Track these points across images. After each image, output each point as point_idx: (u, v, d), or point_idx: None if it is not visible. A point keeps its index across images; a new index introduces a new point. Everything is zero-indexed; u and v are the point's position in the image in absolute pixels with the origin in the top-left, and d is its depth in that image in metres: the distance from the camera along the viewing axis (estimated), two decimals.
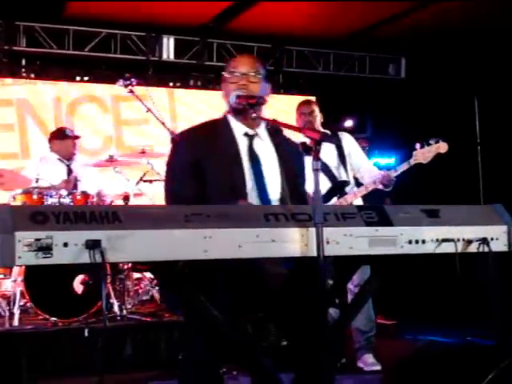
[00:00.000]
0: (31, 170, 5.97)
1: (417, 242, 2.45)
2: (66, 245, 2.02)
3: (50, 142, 6.26)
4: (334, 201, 4.67)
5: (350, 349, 4.76)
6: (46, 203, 5.22)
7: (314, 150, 2.31)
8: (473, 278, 3.51)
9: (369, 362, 4.69)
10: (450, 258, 2.51)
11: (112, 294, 5.39)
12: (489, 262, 2.54)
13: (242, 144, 2.81)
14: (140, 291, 6.00)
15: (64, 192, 5.37)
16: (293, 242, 2.28)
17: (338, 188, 4.75)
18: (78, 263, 2.04)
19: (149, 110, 5.65)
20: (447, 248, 2.50)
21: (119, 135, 7.93)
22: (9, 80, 7.53)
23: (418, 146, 4.62)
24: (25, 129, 7.53)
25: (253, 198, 2.72)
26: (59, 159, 6.10)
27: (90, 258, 2.02)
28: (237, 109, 2.77)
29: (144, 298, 6.01)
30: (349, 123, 8.39)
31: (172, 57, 7.94)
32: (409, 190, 4.74)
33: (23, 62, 7.70)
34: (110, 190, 6.18)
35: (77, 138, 6.29)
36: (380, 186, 4.65)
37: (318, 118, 4.96)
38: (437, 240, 2.48)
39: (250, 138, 2.82)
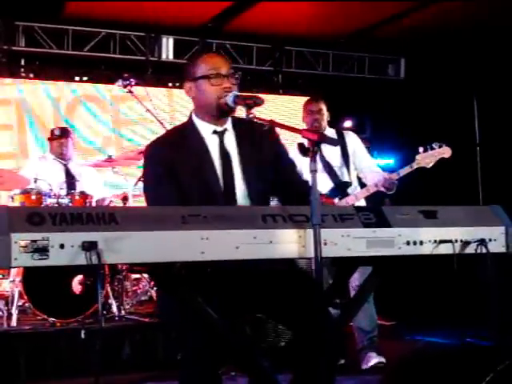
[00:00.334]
0: (30, 169, 5.96)
1: (415, 243, 2.44)
2: (62, 246, 2.01)
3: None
4: (335, 201, 4.67)
5: (352, 350, 4.75)
6: (44, 203, 5.22)
7: (311, 151, 2.31)
8: (471, 279, 3.51)
9: (372, 357, 4.66)
10: (449, 259, 2.51)
11: (110, 294, 5.39)
12: (487, 263, 2.53)
13: (213, 142, 2.84)
14: (138, 291, 5.99)
15: (63, 192, 5.37)
16: (290, 243, 2.28)
17: (340, 188, 4.74)
18: (74, 265, 2.03)
19: (148, 110, 5.66)
20: (445, 249, 2.49)
21: (118, 135, 7.92)
22: (8, 80, 7.52)
23: (421, 149, 4.59)
24: (24, 129, 7.52)
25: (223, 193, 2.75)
26: (56, 159, 6.09)
27: (86, 260, 2.01)
28: (226, 109, 2.79)
29: (142, 298, 6.01)
30: (348, 124, 8.38)
31: (171, 57, 7.94)
32: (407, 191, 4.72)
33: (22, 61, 7.69)
34: (108, 192, 6.19)
35: (61, 137, 6.07)
36: (382, 189, 4.63)
37: (326, 116, 4.91)
38: (435, 241, 2.48)
39: (220, 134, 2.86)
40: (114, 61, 7.76)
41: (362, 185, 4.90)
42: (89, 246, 2.01)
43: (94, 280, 4.91)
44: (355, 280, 4.13)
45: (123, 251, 2.07)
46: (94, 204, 5.46)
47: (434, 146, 4.60)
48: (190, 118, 2.92)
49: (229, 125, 2.90)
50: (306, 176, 2.58)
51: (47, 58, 7.62)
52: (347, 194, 4.75)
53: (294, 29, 7.75)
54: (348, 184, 4.80)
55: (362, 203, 4.71)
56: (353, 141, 4.96)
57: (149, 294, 6.01)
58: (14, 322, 5.05)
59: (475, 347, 3.03)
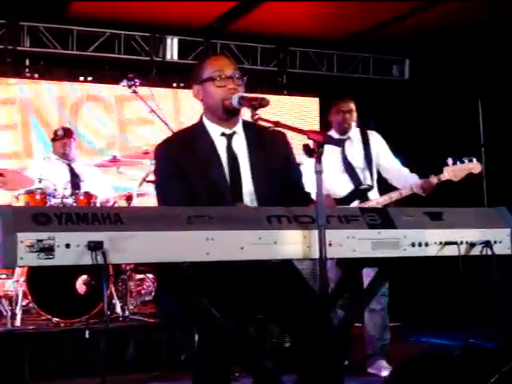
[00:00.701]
0: (34, 169, 5.97)
1: (420, 244, 2.44)
2: (68, 246, 2.01)
3: None
4: (355, 204, 4.58)
5: (357, 352, 4.73)
6: (48, 203, 5.22)
7: (316, 152, 2.30)
8: (476, 281, 3.51)
9: (383, 366, 4.62)
10: (454, 261, 2.51)
11: (114, 294, 5.39)
12: (492, 265, 2.53)
13: (221, 144, 2.85)
14: (142, 292, 6.00)
15: (67, 192, 5.38)
16: (295, 244, 2.28)
17: (360, 192, 4.65)
18: (79, 264, 2.04)
19: (152, 110, 5.66)
20: (450, 251, 2.49)
21: (123, 135, 7.93)
22: (12, 80, 7.53)
23: (449, 161, 4.48)
24: (28, 129, 7.53)
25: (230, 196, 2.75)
26: (59, 159, 6.10)
27: (91, 260, 2.02)
28: (232, 110, 2.80)
29: (146, 298, 6.01)
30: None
31: (176, 57, 7.94)
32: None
33: (27, 62, 7.70)
34: (113, 192, 6.19)
35: (64, 138, 6.11)
36: (419, 192, 4.51)
37: (355, 116, 4.82)
38: (440, 243, 2.48)
39: (228, 137, 2.86)
40: (119, 61, 7.76)
41: (382, 189, 4.79)
42: (94, 246, 2.02)
43: (98, 280, 4.92)
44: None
45: (129, 251, 2.08)
46: (98, 205, 5.45)
47: (464, 159, 4.50)
48: (201, 119, 2.94)
49: (239, 128, 2.90)
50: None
51: (52, 58, 7.62)
52: (367, 198, 4.65)
53: (299, 29, 7.74)
54: (369, 188, 4.70)
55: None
56: (376, 141, 4.88)
57: (153, 294, 6.02)
58: (18, 322, 5.05)
59: (479, 349, 3.03)
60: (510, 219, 2.61)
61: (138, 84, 5.60)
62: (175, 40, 7.90)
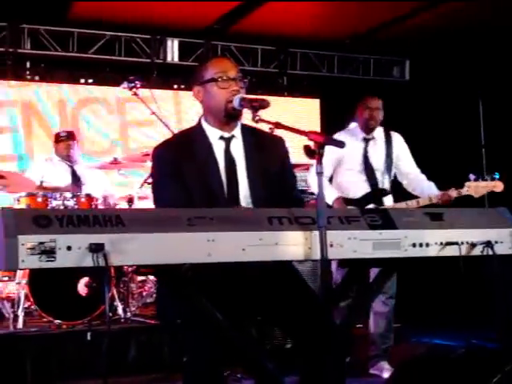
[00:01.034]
0: (36, 172, 5.97)
1: (421, 245, 2.45)
2: (69, 248, 2.02)
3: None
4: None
5: (359, 351, 4.73)
6: (50, 206, 5.22)
7: (317, 153, 2.30)
8: (477, 281, 3.51)
9: (385, 367, 4.61)
10: (455, 261, 2.51)
11: (116, 296, 5.39)
12: (493, 265, 2.53)
13: (219, 148, 2.84)
14: (144, 293, 5.99)
15: (68, 194, 5.37)
16: (296, 245, 2.28)
17: (375, 196, 4.56)
18: (81, 266, 2.04)
19: (153, 112, 5.66)
20: (451, 251, 2.49)
21: (124, 138, 7.93)
22: (13, 82, 7.54)
23: (472, 177, 4.44)
24: (30, 131, 7.54)
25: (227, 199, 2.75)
26: (61, 161, 6.11)
27: (93, 262, 2.02)
28: (233, 113, 2.79)
29: (148, 300, 6.00)
30: (353, 125, 8.36)
31: (176, 59, 7.96)
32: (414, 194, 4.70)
33: (28, 64, 7.72)
34: (114, 192, 6.19)
35: (68, 140, 6.11)
36: (438, 202, 4.36)
37: (381, 114, 4.73)
38: (441, 243, 2.48)
39: (227, 140, 2.86)
40: (120, 63, 7.78)
41: (398, 190, 4.72)
42: (96, 248, 2.02)
43: (99, 282, 4.91)
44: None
45: (130, 253, 2.08)
46: (100, 202, 5.45)
47: (486, 177, 4.48)
48: (199, 122, 2.93)
49: (237, 131, 2.89)
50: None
51: (52, 60, 7.64)
52: (382, 203, 4.53)
53: (299, 30, 7.75)
54: (386, 192, 4.61)
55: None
56: (398, 143, 4.78)
57: (154, 296, 6.01)
58: (20, 324, 5.04)
59: (481, 349, 3.03)
60: (510, 219, 2.61)
61: (138, 86, 5.60)
62: (176, 42, 7.92)
